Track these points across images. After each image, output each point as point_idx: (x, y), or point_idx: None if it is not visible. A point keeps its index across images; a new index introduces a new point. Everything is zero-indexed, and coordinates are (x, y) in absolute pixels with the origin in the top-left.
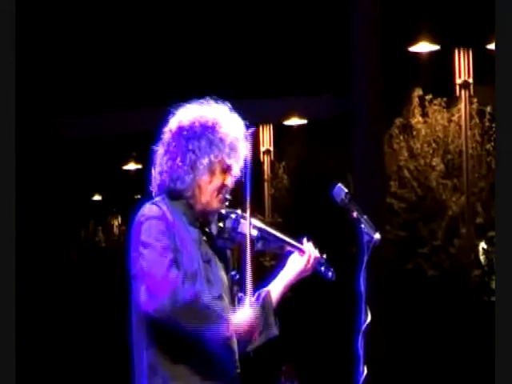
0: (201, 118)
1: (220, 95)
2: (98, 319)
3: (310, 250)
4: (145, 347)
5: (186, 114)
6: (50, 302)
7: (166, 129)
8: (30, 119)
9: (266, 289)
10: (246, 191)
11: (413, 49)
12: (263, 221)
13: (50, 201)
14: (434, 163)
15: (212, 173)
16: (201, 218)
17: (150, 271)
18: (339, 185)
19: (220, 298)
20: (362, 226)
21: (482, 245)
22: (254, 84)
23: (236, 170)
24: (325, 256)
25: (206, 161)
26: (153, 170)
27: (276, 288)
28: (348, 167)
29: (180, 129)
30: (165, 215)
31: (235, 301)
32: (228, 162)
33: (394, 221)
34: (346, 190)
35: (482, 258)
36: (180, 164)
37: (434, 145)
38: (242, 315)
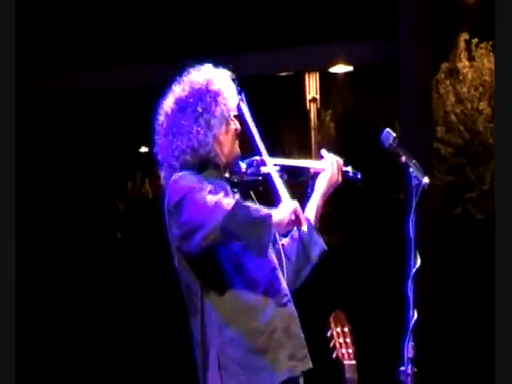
0: (194, 83)
1: (263, 44)
2: (146, 271)
3: (331, 159)
4: (199, 315)
5: (177, 89)
6: (100, 253)
7: (161, 116)
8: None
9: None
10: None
11: None
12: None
13: (96, 153)
14: (480, 107)
15: (226, 122)
16: (225, 171)
17: (193, 206)
18: (387, 129)
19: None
20: (411, 170)
21: None
22: (298, 31)
23: (234, 112)
24: (349, 166)
25: (218, 112)
26: (162, 161)
27: (310, 209)
28: (395, 113)
29: (180, 102)
30: (194, 173)
31: (277, 242)
32: (231, 107)
33: (442, 166)
34: (394, 135)
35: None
36: (198, 129)
37: (480, 89)
38: (281, 208)
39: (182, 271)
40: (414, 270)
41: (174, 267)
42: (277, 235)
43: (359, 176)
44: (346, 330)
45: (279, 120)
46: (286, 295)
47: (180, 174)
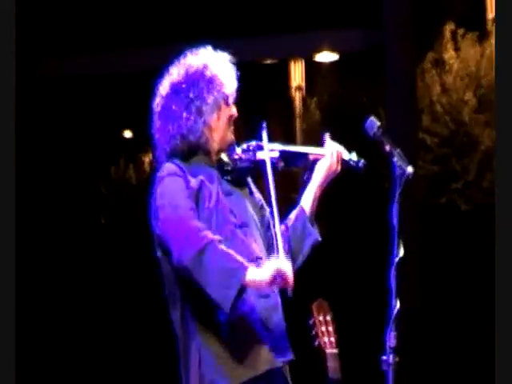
0: (190, 67)
1: (247, 31)
2: (129, 257)
3: (331, 147)
4: (178, 306)
5: (173, 72)
6: (84, 238)
7: (157, 98)
8: (52, 55)
9: (297, 207)
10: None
11: None
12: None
13: (79, 138)
14: (466, 98)
15: (218, 109)
16: (215, 157)
17: (167, 229)
18: (372, 118)
19: (243, 224)
20: (395, 159)
21: None
22: (283, 18)
23: (233, 97)
24: (353, 153)
25: (210, 99)
26: (157, 145)
27: (307, 198)
28: (380, 101)
29: (174, 86)
30: (178, 169)
31: (271, 230)
32: (228, 92)
33: (427, 156)
34: (379, 123)
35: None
36: (187, 116)
37: (466, 79)
38: (263, 268)
39: (162, 262)
40: (397, 259)
41: (155, 256)
42: (270, 222)
43: (361, 164)
44: (328, 318)
45: (264, 108)
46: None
47: (165, 172)
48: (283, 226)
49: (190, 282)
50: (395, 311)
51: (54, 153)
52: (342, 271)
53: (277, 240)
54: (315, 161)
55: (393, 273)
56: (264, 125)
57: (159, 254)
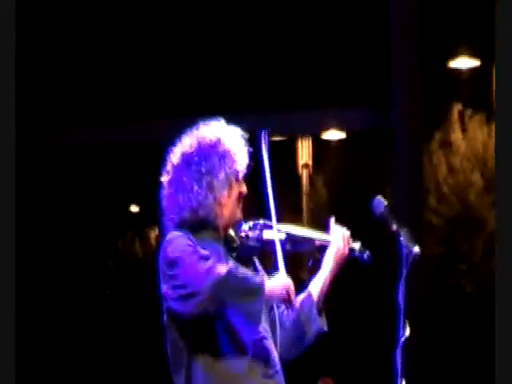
0: (203, 140)
1: (256, 108)
2: (134, 327)
3: (337, 232)
4: (183, 372)
5: (186, 143)
6: (90, 311)
7: (168, 166)
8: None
9: (305, 292)
10: (268, 197)
11: (452, 64)
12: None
13: (87, 211)
14: (473, 179)
15: (230, 186)
16: (223, 233)
17: (185, 275)
18: (379, 197)
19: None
20: (402, 238)
21: None
22: (291, 96)
23: (243, 173)
24: (359, 242)
25: (222, 176)
26: (165, 212)
27: (316, 284)
28: (387, 181)
29: (186, 158)
30: (192, 240)
31: (274, 309)
32: (239, 169)
33: (433, 237)
34: (386, 203)
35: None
36: (199, 191)
37: (473, 160)
38: (275, 280)
39: (169, 328)
40: (402, 339)
41: (162, 324)
42: (274, 304)
43: (365, 257)
44: None
45: (271, 185)
46: (274, 366)
47: (174, 233)
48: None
49: (207, 324)
50: None
51: (61, 226)
52: (348, 349)
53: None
54: (321, 247)
55: (398, 353)
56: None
57: (165, 319)
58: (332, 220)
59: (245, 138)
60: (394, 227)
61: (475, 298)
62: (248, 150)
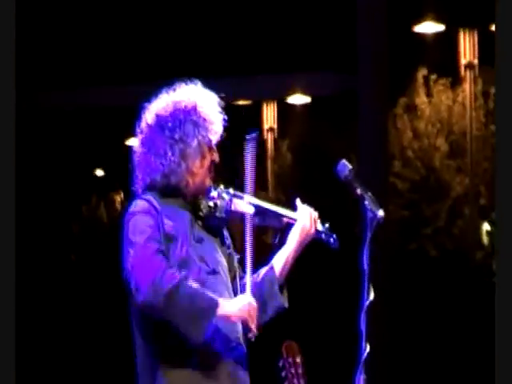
0: (178, 104)
1: (220, 72)
2: (99, 293)
3: (305, 211)
4: (141, 343)
5: (161, 104)
6: (54, 275)
7: (143, 123)
8: (26, 92)
9: (268, 265)
10: (246, 168)
11: (418, 28)
12: (265, 197)
13: (50, 176)
14: (437, 144)
15: (202, 155)
16: (191, 200)
17: (134, 266)
18: (343, 161)
19: (214, 272)
20: (366, 202)
21: (485, 226)
22: (256, 60)
23: (216, 140)
24: (326, 225)
25: (195, 144)
26: (137, 170)
27: (279, 260)
28: (352, 145)
29: (160, 120)
30: (152, 208)
31: (236, 279)
32: (212, 137)
33: (397, 201)
34: (350, 167)
35: (484, 239)
36: (172, 158)
37: (438, 125)
38: (234, 304)
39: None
40: (367, 303)
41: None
42: (237, 271)
43: (332, 240)
44: (298, 360)
45: (235, 149)
46: (237, 338)
47: (140, 203)
48: (254, 276)
49: (156, 321)
50: (365, 354)
51: (24, 190)
52: (312, 314)
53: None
54: (288, 224)
55: (363, 316)
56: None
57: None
58: (298, 200)
59: (221, 105)
60: (359, 191)
61: (439, 262)
62: (223, 118)
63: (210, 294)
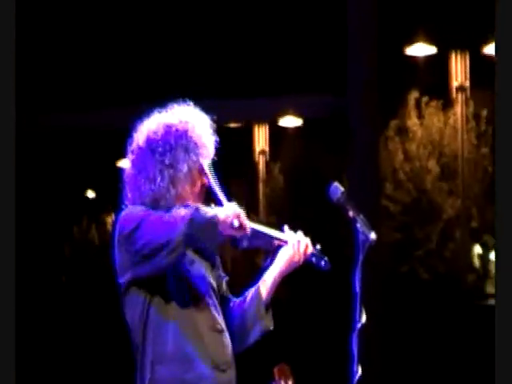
0: (170, 128)
1: (211, 94)
2: (92, 314)
3: (295, 239)
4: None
5: (152, 126)
6: (46, 297)
7: (134, 144)
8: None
9: (255, 287)
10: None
11: (409, 51)
12: (257, 220)
13: (41, 197)
14: (429, 166)
15: (192, 180)
16: None
17: (149, 233)
18: (335, 183)
19: (205, 294)
20: (358, 225)
21: (477, 249)
22: (247, 83)
23: (208, 164)
24: (318, 246)
25: (185, 170)
26: (127, 190)
27: (265, 283)
28: (344, 168)
29: (151, 143)
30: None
31: (224, 300)
32: (203, 161)
33: (389, 223)
34: (343, 189)
35: (476, 262)
36: (161, 184)
37: (429, 147)
38: (225, 209)
39: (127, 308)
40: (358, 325)
41: (121, 308)
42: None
43: (323, 263)
44: (290, 383)
45: (227, 171)
46: (227, 361)
47: (129, 207)
48: (240, 299)
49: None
50: (357, 377)
51: (17, 211)
52: (304, 336)
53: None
54: (279, 247)
55: (355, 339)
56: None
57: (124, 299)
58: (286, 228)
59: (213, 128)
60: (351, 213)
61: (430, 285)
62: (215, 140)
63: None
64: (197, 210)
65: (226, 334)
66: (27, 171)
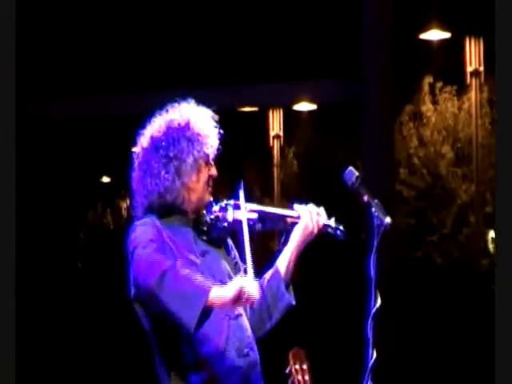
0: (171, 123)
1: (226, 80)
2: (107, 300)
3: (305, 210)
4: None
5: (155, 126)
6: (61, 282)
7: (138, 148)
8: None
9: (273, 267)
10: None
11: (423, 36)
12: (271, 205)
13: (57, 183)
14: (443, 151)
15: (198, 170)
16: (193, 216)
17: (138, 264)
18: (350, 168)
19: (221, 283)
20: (373, 209)
21: (491, 234)
22: (262, 68)
23: (213, 155)
24: (333, 219)
25: (190, 160)
26: (135, 195)
27: (283, 260)
28: (358, 153)
29: (155, 142)
30: (155, 223)
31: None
32: (208, 152)
33: (403, 208)
34: (357, 174)
35: (490, 246)
36: (166, 176)
37: (444, 132)
38: (227, 286)
39: (140, 316)
40: (374, 310)
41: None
42: (241, 266)
43: (339, 232)
44: (304, 367)
45: (242, 156)
46: (249, 343)
47: (140, 222)
48: (259, 281)
49: (157, 317)
50: (372, 362)
51: (31, 197)
52: (319, 320)
53: (246, 260)
54: (293, 224)
55: (370, 323)
56: (241, 184)
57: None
58: (295, 204)
59: (215, 120)
60: (366, 198)
61: (445, 270)
62: (218, 132)
63: (202, 279)
64: (174, 271)
65: (244, 318)
66: (43, 158)
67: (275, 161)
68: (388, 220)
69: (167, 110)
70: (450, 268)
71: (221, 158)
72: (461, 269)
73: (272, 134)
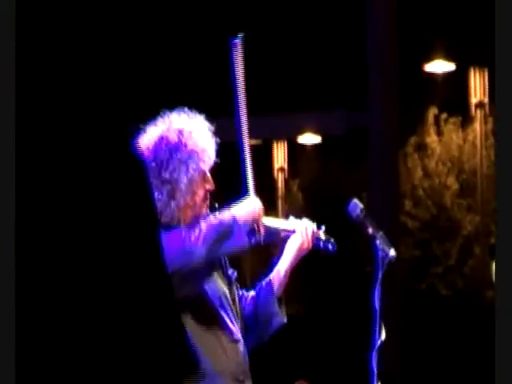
0: (161, 141)
1: (230, 111)
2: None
3: (301, 225)
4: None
5: (145, 141)
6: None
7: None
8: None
9: (266, 278)
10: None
11: (428, 67)
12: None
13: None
14: (448, 182)
15: (193, 188)
16: None
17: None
18: (354, 200)
19: (219, 301)
20: (378, 242)
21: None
22: (266, 100)
23: (210, 166)
24: (322, 229)
25: (184, 181)
26: None
27: (277, 274)
28: (363, 184)
29: (146, 160)
30: None
31: (236, 299)
32: (205, 167)
33: (408, 240)
34: (362, 206)
35: (495, 278)
36: (159, 198)
37: (448, 164)
38: (244, 208)
39: None
40: (378, 342)
41: None
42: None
43: (330, 246)
44: None
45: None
46: (245, 371)
47: None
48: (252, 293)
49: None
50: None
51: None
52: (324, 352)
53: (247, 179)
54: (287, 237)
55: (374, 356)
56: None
57: None
58: (291, 218)
59: (211, 130)
60: (370, 230)
61: (449, 301)
62: (216, 142)
63: (221, 216)
64: (205, 230)
65: (242, 344)
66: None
67: (280, 193)
68: (393, 253)
69: (156, 124)
70: (455, 299)
71: (223, 189)
72: (466, 300)
73: (276, 166)
